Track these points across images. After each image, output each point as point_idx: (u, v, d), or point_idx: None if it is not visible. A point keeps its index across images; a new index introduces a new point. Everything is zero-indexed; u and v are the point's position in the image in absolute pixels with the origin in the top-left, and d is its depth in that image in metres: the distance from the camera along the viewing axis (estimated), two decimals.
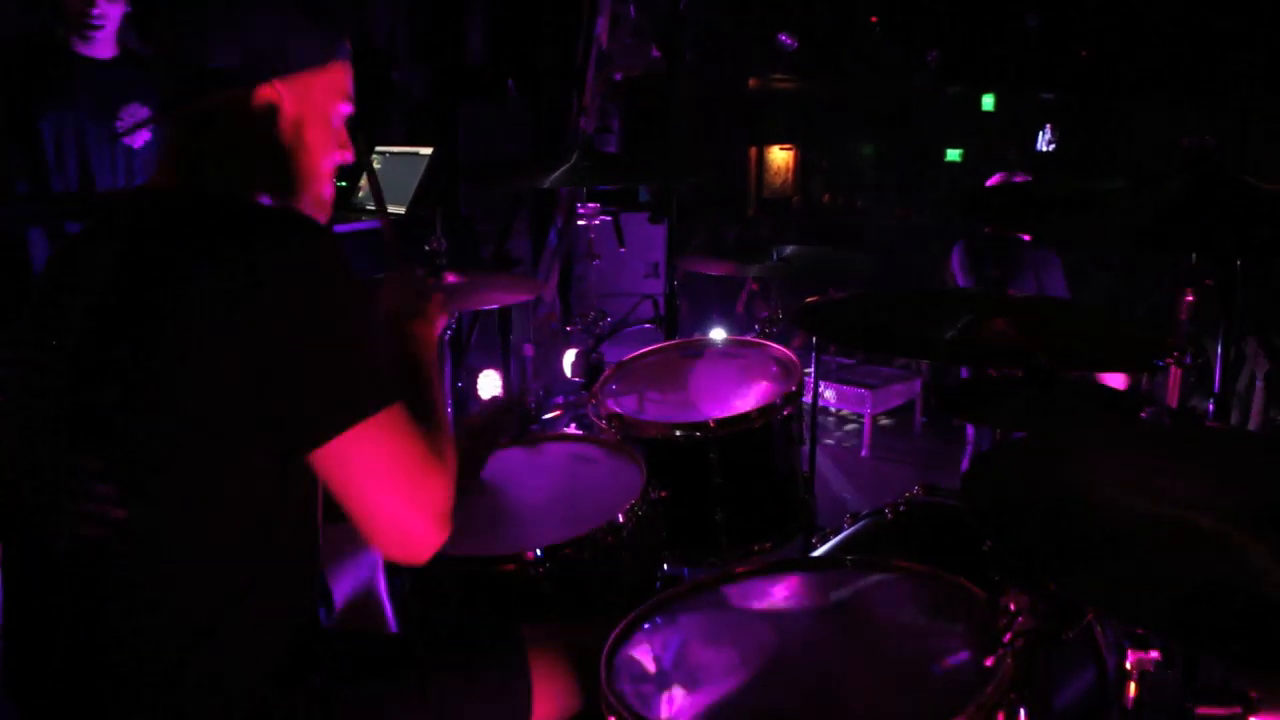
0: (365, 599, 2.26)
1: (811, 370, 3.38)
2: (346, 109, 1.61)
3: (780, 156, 10.30)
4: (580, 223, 2.80)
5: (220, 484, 1.39)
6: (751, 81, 9.62)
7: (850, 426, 6.32)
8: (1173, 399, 1.83)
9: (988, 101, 9.83)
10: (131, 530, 1.37)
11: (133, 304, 1.37)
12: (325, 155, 1.60)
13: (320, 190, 1.61)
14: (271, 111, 1.52)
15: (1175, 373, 1.77)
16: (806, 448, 2.78)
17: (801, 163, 10.32)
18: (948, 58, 8.83)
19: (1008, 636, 1.50)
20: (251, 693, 1.46)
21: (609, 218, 2.96)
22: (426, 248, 2.53)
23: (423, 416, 1.52)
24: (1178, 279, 1.74)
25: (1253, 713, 1.20)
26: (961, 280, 5.48)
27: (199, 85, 1.48)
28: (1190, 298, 1.76)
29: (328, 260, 1.40)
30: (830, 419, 6.47)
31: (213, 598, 1.42)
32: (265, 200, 1.56)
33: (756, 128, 9.89)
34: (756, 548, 2.47)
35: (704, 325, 6.33)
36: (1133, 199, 1.57)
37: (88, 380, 1.39)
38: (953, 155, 10.18)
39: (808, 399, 2.61)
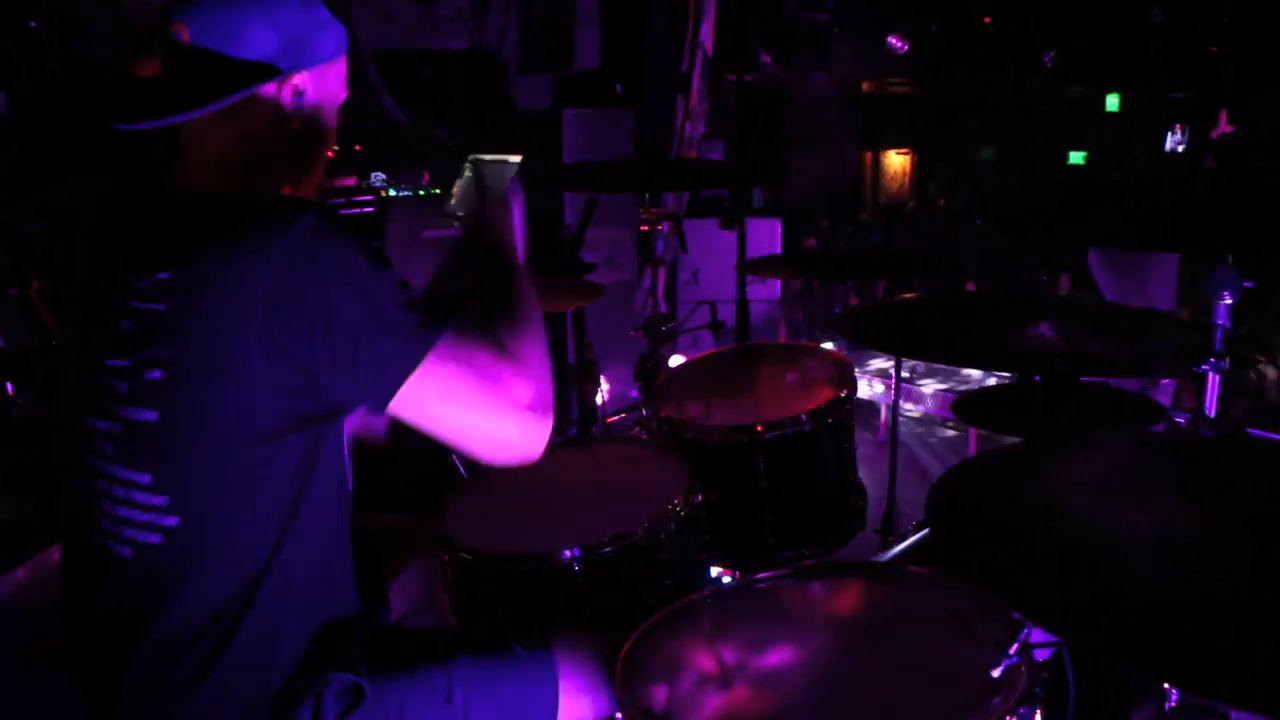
0: (428, 601, 2.31)
1: (893, 376, 3.34)
2: (344, 96, 1.68)
3: (897, 161, 10.16)
4: (643, 229, 2.82)
5: (261, 482, 1.46)
6: (866, 85, 9.51)
7: (951, 433, 6.19)
8: (1211, 406, 1.77)
9: (1112, 102, 9.53)
10: (182, 532, 1.46)
11: (176, 317, 1.42)
12: (332, 141, 1.68)
13: (322, 174, 1.70)
14: (299, 101, 1.59)
15: (1212, 379, 1.72)
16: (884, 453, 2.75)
17: (919, 167, 10.16)
18: (1067, 58, 8.59)
19: (1013, 648, 1.48)
20: (280, 678, 1.53)
21: (671, 222, 2.98)
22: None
23: (488, 316, 1.58)
24: (1213, 283, 1.69)
25: None
26: (1101, 282, 5.36)
27: (238, 78, 1.53)
28: (1229, 300, 1.70)
29: (330, 228, 1.44)
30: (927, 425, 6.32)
31: (251, 583, 1.49)
32: (286, 184, 1.63)
33: (871, 132, 9.76)
34: (805, 552, 2.46)
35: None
36: (1156, 195, 1.53)
37: (134, 398, 1.45)
38: (1076, 158, 9.90)
39: (877, 398, 2.58)
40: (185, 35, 1.51)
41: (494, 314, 1.61)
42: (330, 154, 1.70)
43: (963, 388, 5.78)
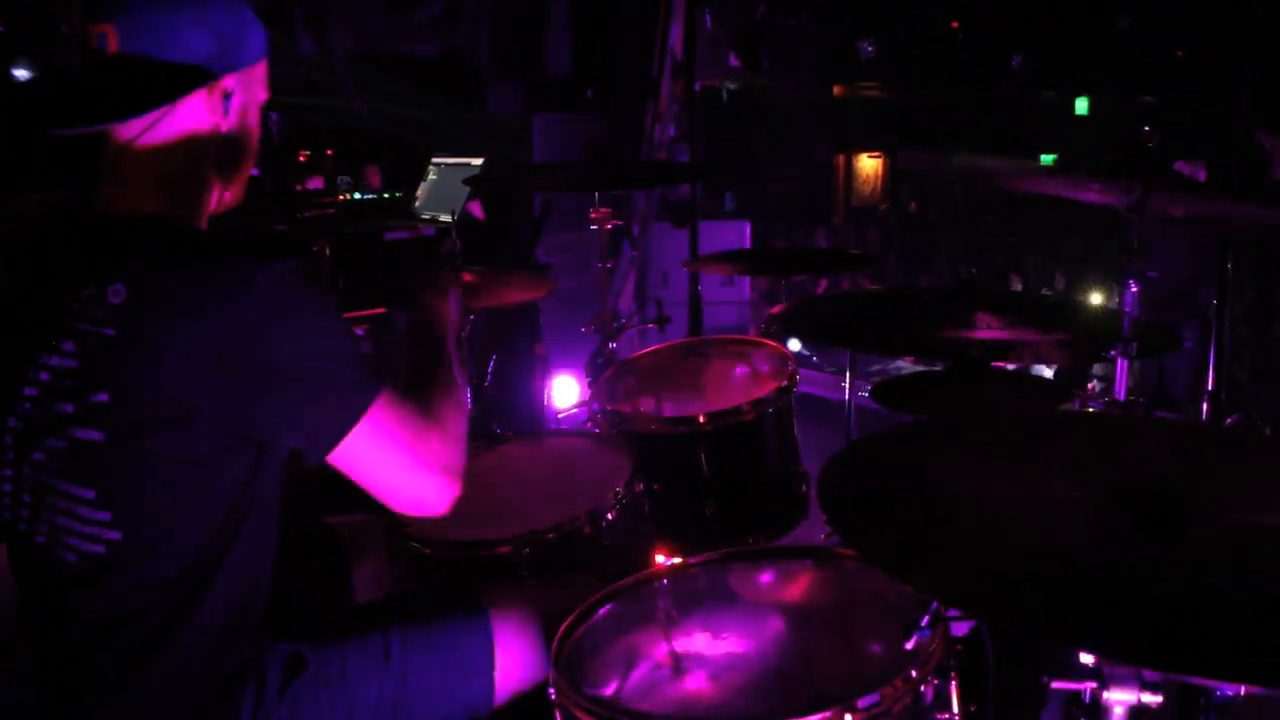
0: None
1: (849, 372, 3.40)
2: (266, 96, 1.70)
3: (869, 164, 10.25)
4: (592, 228, 2.88)
5: (201, 500, 1.51)
6: (837, 89, 9.59)
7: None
8: (1120, 390, 1.84)
9: (1081, 105, 9.64)
10: (125, 546, 1.49)
11: (127, 345, 1.43)
12: (257, 142, 1.72)
13: (247, 176, 1.73)
14: (227, 104, 1.60)
15: (1121, 364, 1.78)
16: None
17: (890, 171, 10.24)
18: (1037, 62, 8.69)
19: (924, 619, 1.54)
20: (225, 660, 1.58)
21: (621, 223, 3.03)
22: (441, 250, 2.64)
23: (418, 385, 1.68)
24: (1123, 271, 1.75)
25: (1106, 687, 1.22)
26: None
27: (174, 83, 1.53)
28: (1134, 288, 1.77)
29: (297, 280, 1.48)
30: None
31: (193, 582, 1.53)
32: (215, 186, 1.65)
33: (843, 135, 9.84)
34: (750, 541, 2.51)
35: None
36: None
37: (77, 419, 1.46)
38: (1046, 160, 10.00)
39: (833, 395, 2.65)
40: (112, 38, 1.49)
41: (425, 384, 1.71)
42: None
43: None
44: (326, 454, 1.51)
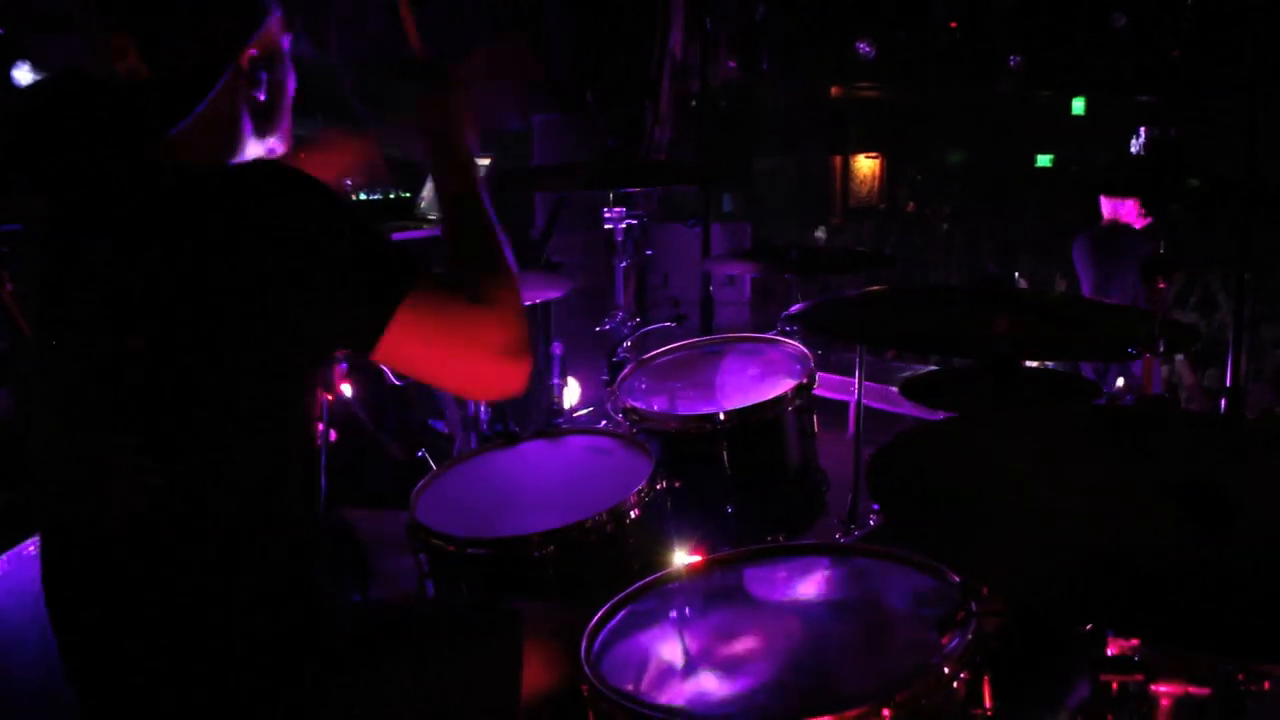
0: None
1: (858, 373, 3.40)
2: (287, 45, 1.71)
3: (866, 165, 10.26)
4: (606, 227, 2.89)
5: (243, 437, 1.51)
6: (834, 90, 9.60)
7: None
8: (1150, 386, 1.84)
9: (1078, 105, 9.67)
10: (169, 493, 1.49)
11: (147, 287, 1.46)
12: (291, 90, 1.72)
13: (287, 119, 1.73)
14: (253, 68, 1.62)
15: (1149, 361, 1.79)
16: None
17: (888, 171, 10.26)
18: (1035, 63, 8.70)
19: (959, 615, 1.54)
20: (259, 647, 1.56)
21: (635, 222, 3.04)
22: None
23: (459, 256, 1.65)
24: (1149, 268, 1.76)
25: (1154, 681, 1.23)
26: (1082, 274, 5.46)
27: (210, 75, 1.56)
28: (1162, 285, 1.78)
29: (306, 190, 1.49)
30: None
31: (235, 547, 1.53)
32: (250, 137, 1.67)
33: (840, 136, 9.85)
34: (770, 538, 2.52)
35: None
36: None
37: (117, 362, 1.48)
38: (1043, 161, 10.04)
39: (841, 396, 2.66)
40: (131, 55, 1.53)
41: (466, 254, 1.67)
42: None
43: None
44: (371, 344, 1.50)
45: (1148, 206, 4.71)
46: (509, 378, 1.58)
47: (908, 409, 6.06)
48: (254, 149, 1.68)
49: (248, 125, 1.65)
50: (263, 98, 1.65)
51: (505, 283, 1.64)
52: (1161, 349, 1.77)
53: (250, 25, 1.61)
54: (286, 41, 1.70)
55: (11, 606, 2.23)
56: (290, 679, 1.58)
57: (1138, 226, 5.26)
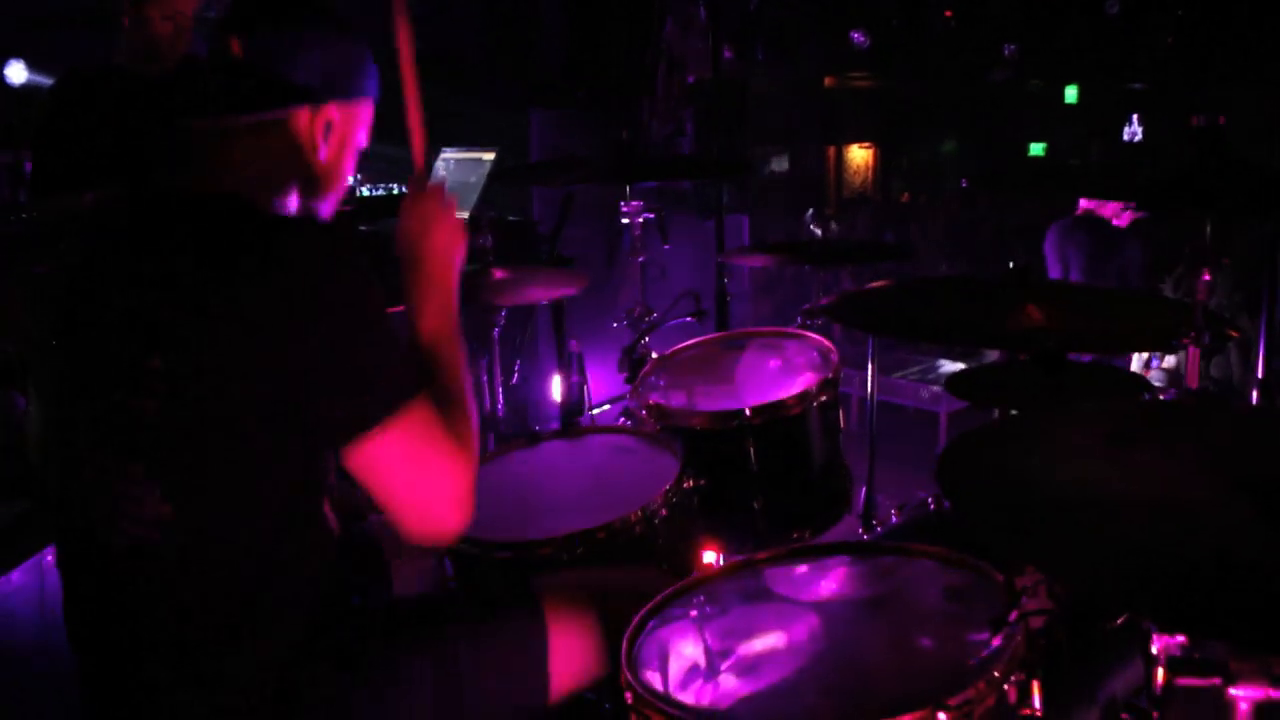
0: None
1: (870, 365, 3.37)
2: (364, 142, 1.74)
3: (859, 155, 10.22)
4: (624, 221, 2.85)
5: (252, 479, 1.49)
6: (828, 80, 9.56)
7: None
8: (1192, 379, 1.82)
9: (1070, 94, 9.64)
10: (177, 526, 1.48)
11: (170, 313, 1.46)
12: (349, 173, 1.74)
13: (338, 197, 1.75)
14: (327, 129, 1.65)
15: (1193, 352, 1.76)
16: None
17: (881, 161, 10.23)
18: (1027, 51, 8.69)
19: (1013, 615, 1.52)
20: (280, 660, 1.55)
21: (653, 215, 3.01)
22: (476, 245, 2.61)
23: (443, 397, 1.61)
24: (1194, 259, 1.73)
25: (1232, 683, 1.20)
26: (1052, 264, 5.43)
27: (281, 96, 1.60)
28: (1207, 277, 1.75)
29: (349, 264, 1.49)
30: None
31: (248, 578, 1.51)
32: (294, 202, 1.66)
33: (834, 127, 9.81)
34: (795, 535, 2.49)
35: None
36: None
37: (129, 390, 1.47)
38: (1036, 149, 10.01)
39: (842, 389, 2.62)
40: (236, 48, 1.58)
41: (447, 390, 1.66)
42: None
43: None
44: (353, 440, 1.49)
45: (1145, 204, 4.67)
46: (451, 526, 1.58)
47: (907, 400, 6.06)
48: (294, 203, 1.68)
49: (297, 176, 1.66)
50: (323, 158, 1.66)
51: (473, 431, 1.66)
52: (1206, 340, 1.75)
53: (348, 87, 1.66)
54: (364, 138, 1.73)
55: (30, 616, 2.21)
56: (308, 695, 1.57)
57: (1121, 224, 5.18)
